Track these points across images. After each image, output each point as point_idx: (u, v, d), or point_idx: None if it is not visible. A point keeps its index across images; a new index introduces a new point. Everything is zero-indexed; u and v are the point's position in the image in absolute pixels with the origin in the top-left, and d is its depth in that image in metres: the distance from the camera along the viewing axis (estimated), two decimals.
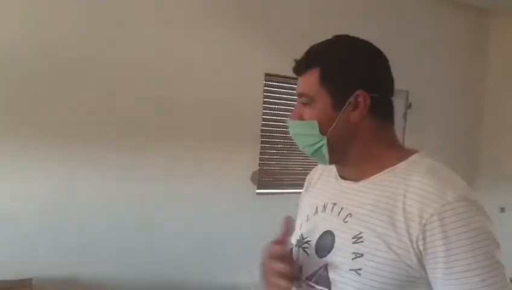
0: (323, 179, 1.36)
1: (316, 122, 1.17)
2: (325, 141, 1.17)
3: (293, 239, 1.39)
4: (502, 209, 5.30)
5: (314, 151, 1.21)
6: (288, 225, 1.20)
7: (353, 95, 1.15)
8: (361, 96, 1.15)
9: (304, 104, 1.20)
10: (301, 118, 1.21)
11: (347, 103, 1.15)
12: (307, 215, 1.31)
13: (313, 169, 1.47)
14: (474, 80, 5.87)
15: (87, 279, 3.63)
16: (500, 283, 1.00)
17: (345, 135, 1.17)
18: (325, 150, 1.19)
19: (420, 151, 1.20)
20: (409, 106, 5.18)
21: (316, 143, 1.19)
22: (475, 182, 5.64)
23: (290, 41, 4.11)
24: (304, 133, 1.21)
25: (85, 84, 3.59)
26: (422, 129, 5.18)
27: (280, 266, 1.15)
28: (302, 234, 1.28)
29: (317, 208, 1.28)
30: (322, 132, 1.17)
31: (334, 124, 1.16)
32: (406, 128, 5.15)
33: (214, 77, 4.09)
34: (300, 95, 1.22)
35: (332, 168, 1.33)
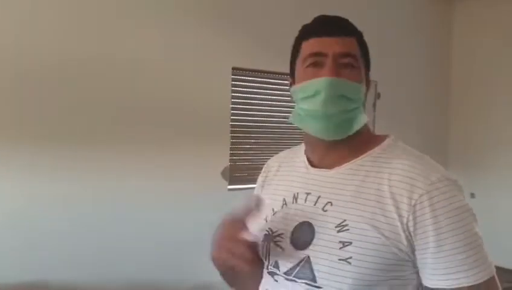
0: (286, 171, 1.31)
1: (364, 87, 1.16)
2: (363, 108, 1.16)
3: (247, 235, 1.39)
4: (472, 195, 5.40)
5: (349, 118, 1.13)
6: (255, 205, 1.14)
7: (369, 74, 1.19)
8: (369, 79, 1.19)
9: (349, 66, 1.12)
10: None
11: (367, 81, 1.18)
12: (273, 209, 1.24)
13: (267, 163, 1.41)
14: (441, 68, 5.93)
15: (57, 283, 3.54)
16: (483, 259, 1.03)
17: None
18: (361, 117, 1.15)
19: (390, 136, 1.20)
20: (378, 96, 5.20)
21: (357, 109, 1.14)
22: (446, 169, 5.71)
23: (257, 33, 4.08)
24: (350, 95, 1.12)
25: (49, 84, 3.48)
26: (392, 119, 5.20)
27: (240, 250, 1.09)
28: (270, 228, 1.22)
29: (284, 199, 1.23)
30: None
31: (364, 97, 1.18)
32: (375, 118, 5.17)
33: (178, 72, 4.01)
34: (345, 54, 1.12)
35: (295, 158, 1.29)
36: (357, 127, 1.14)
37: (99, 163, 3.69)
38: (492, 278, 1.04)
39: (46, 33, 3.46)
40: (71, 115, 3.58)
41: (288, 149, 1.41)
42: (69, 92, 3.56)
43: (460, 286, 1.01)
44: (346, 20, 1.18)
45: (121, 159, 3.78)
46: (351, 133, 1.14)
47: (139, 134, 3.86)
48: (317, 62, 1.13)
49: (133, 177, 3.83)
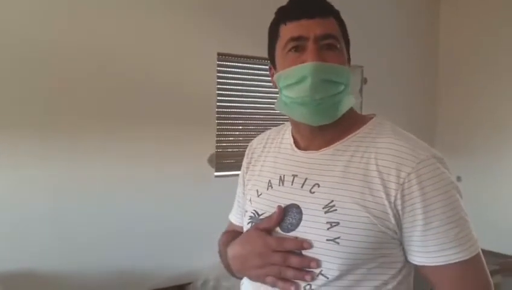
0: (272, 152, 1.29)
1: (349, 69, 1.11)
2: (349, 88, 1.11)
3: (233, 217, 1.38)
4: (459, 179, 5.43)
5: (336, 102, 1.11)
6: (282, 214, 1.12)
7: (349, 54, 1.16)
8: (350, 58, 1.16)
9: (331, 47, 1.09)
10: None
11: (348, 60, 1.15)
12: (257, 191, 1.23)
13: (250, 144, 1.40)
14: (428, 52, 5.93)
15: (45, 272, 3.51)
16: (470, 234, 1.05)
17: None
18: (347, 100, 1.12)
19: (377, 116, 1.19)
20: (364, 81, 5.19)
21: (343, 92, 1.11)
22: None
23: (242, 18, 4.03)
24: (336, 79, 1.09)
25: (30, 72, 3.42)
26: (379, 104, 5.19)
27: (296, 260, 1.07)
28: (255, 210, 1.21)
29: (269, 181, 1.21)
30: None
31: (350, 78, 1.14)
32: (362, 103, 5.16)
33: (162, 59, 3.96)
34: (326, 36, 1.09)
35: (280, 139, 1.28)
36: (344, 110, 1.12)
37: (86, 152, 3.66)
38: (479, 253, 1.06)
39: (22, 20, 3.40)
40: (56, 104, 3.53)
41: (272, 128, 1.39)
42: (52, 79, 3.51)
43: (450, 262, 1.02)
44: (322, 0, 1.14)
45: (107, 148, 3.75)
46: (338, 117, 1.12)
47: (124, 123, 3.82)
48: (298, 46, 1.10)
49: (120, 166, 3.80)
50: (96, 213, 3.71)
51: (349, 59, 1.16)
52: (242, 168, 1.39)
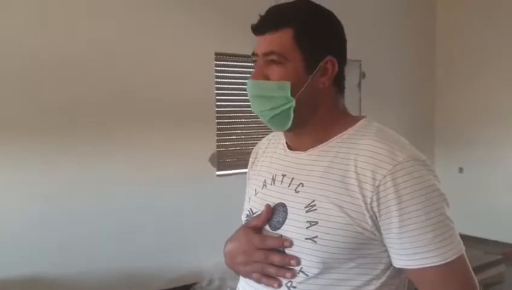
0: (270, 152, 1.33)
1: (289, 83, 1.12)
2: (293, 103, 1.13)
3: (243, 216, 1.39)
4: (460, 170, 5.45)
5: (277, 115, 1.15)
6: (269, 215, 1.17)
7: (324, 60, 1.14)
8: (330, 63, 1.14)
9: (273, 62, 1.14)
10: (266, 78, 1.15)
11: (318, 68, 1.14)
12: (255, 190, 1.28)
13: (257, 144, 1.44)
14: (426, 45, 5.93)
15: (47, 276, 3.52)
16: (450, 239, 1.04)
17: (310, 101, 1.15)
18: (291, 113, 1.14)
19: (366, 117, 1.20)
20: (363, 75, 5.19)
21: (283, 105, 1.14)
22: (434, 146, 5.76)
23: (239, 18, 4.02)
24: (270, 94, 1.14)
25: (30, 75, 3.43)
26: (378, 98, 5.20)
27: (277, 258, 1.12)
28: (251, 209, 1.26)
29: (265, 181, 1.25)
30: (292, 93, 1.13)
31: (304, 87, 1.13)
32: (361, 98, 5.16)
33: (160, 60, 3.97)
34: (268, 53, 1.14)
35: (279, 140, 1.31)
36: (290, 121, 1.15)
37: (87, 153, 3.67)
38: (461, 257, 1.06)
39: (19, 27, 3.41)
40: (54, 105, 3.54)
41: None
42: (50, 81, 3.52)
43: (426, 265, 1.03)
44: (283, 11, 1.17)
45: (108, 149, 3.76)
46: (289, 126, 1.15)
47: (124, 124, 3.83)
48: (255, 61, 1.19)
49: (122, 168, 3.81)
50: (99, 215, 3.72)
51: (314, 65, 1.14)
52: (248, 165, 1.43)
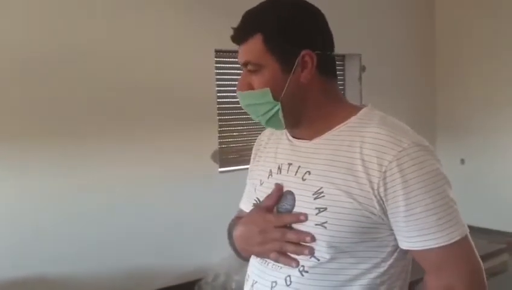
0: (273, 142, 1.35)
1: (268, 90, 1.16)
2: (279, 106, 1.17)
3: (243, 205, 1.41)
4: (462, 161, 5.46)
5: (269, 119, 1.20)
6: (280, 193, 1.20)
7: (299, 56, 1.15)
8: (307, 56, 1.15)
9: (252, 72, 1.18)
10: (250, 88, 1.18)
11: (295, 65, 1.15)
12: (260, 180, 1.30)
13: (259, 136, 1.46)
14: (426, 36, 5.92)
15: (54, 276, 3.54)
16: (455, 220, 1.08)
17: (297, 97, 1.18)
18: (280, 116, 1.18)
19: (368, 105, 1.24)
20: (363, 69, 5.19)
21: (270, 110, 1.18)
22: (436, 137, 5.75)
23: (239, 15, 4.02)
24: (257, 102, 1.19)
25: (32, 77, 3.44)
26: (379, 91, 5.20)
27: (293, 235, 1.14)
28: (258, 198, 1.28)
29: (271, 171, 1.28)
30: (275, 97, 1.16)
31: (286, 87, 1.16)
32: (362, 91, 5.16)
33: (161, 57, 3.99)
34: (245, 64, 1.19)
35: (281, 130, 1.32)
36: (283, 122, 1.19)
37: (91, 154, 3.70)
38: (465, 237, 1.10)
39: (19, 25, 3.42)
40: (59, 109, 3.56)
41: None
42: (53, 84, 3.54)
43: (432, 246, 1.07)
44: (252, 17, 1.20)
45: (111, 148, 3.78)
46: (284, 126, 1.21)
47: (127, 123, 3.85)
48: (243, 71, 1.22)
49: (125, 167, 3.83)
50: (104, 214, 3.75)
51: (290, 63, 1.15)
52: (251, 158, 1.45)
